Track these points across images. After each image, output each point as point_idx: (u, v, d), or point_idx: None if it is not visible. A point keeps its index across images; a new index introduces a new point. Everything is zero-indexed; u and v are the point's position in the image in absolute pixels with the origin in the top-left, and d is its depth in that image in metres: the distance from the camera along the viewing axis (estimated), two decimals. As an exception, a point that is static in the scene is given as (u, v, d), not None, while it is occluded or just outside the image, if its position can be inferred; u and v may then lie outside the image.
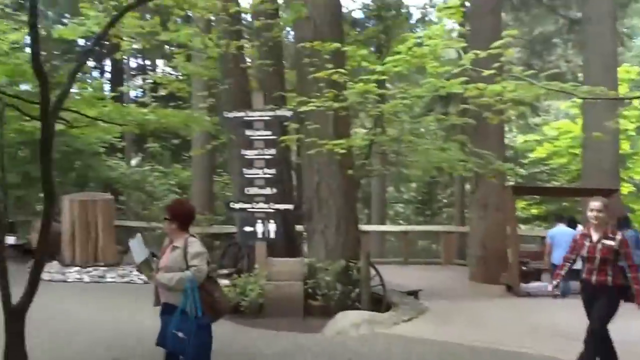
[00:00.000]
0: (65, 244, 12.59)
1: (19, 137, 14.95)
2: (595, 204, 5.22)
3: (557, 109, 25.58)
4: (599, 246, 5.15)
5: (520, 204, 19.69)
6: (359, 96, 7.98)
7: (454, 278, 13.24)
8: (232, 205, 8.93)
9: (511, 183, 17.23)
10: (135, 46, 13.10)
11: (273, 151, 8.66)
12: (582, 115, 15.09)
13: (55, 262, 12.49)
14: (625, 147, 17.90)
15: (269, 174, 8.64)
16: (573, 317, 6.80)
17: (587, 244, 5.24)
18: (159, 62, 22.21)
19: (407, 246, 16.39)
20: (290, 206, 8.68)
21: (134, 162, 23.54)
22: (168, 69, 20.92)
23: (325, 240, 8.55)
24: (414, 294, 9.52)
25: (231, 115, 9.02)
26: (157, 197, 15.24)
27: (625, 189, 17.59)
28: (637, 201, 19.19)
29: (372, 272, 8.31)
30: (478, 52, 6.38)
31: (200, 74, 12.38)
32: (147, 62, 24.96)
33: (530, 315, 8.43)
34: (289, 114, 8.65)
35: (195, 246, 4.30)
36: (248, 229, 8.62)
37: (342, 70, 7.28)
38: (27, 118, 11.58)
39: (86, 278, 11.66)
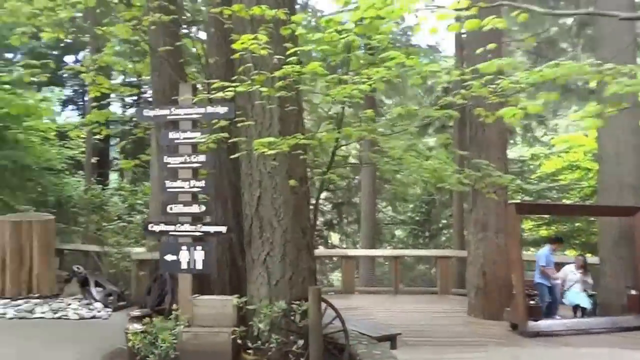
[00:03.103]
0: (-7, 272, 10.89)
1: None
2: None
3: (565, 127, 23.59)
4: None
5: (527, 225, 17.73)
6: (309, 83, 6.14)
7: (450, 313, 11.16)
8: (151, 227, 6.92)
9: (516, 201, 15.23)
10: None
11: (203, 158, 6.74)
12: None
13: (-19, 294, 10.76)
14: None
15: (197, 187, 6.70)
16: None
17: None
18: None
19: (398, 273, 14.29)
20: (221, 228, 6.66)
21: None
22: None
23: (267, 272, 6.53)
24: (390, 339, 7.44)
25: (151, 113, 7.08)
26: (112, 219, 13.31)
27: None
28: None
29: (332, 314, 6.35)
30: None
31: (120, 65, 10.63)
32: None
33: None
34: (224, 110, 6.65)
35: None
36: (170, 257, 6.63)
37: (263, 37, 5.34)
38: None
39: (10, 313, 9.83)
